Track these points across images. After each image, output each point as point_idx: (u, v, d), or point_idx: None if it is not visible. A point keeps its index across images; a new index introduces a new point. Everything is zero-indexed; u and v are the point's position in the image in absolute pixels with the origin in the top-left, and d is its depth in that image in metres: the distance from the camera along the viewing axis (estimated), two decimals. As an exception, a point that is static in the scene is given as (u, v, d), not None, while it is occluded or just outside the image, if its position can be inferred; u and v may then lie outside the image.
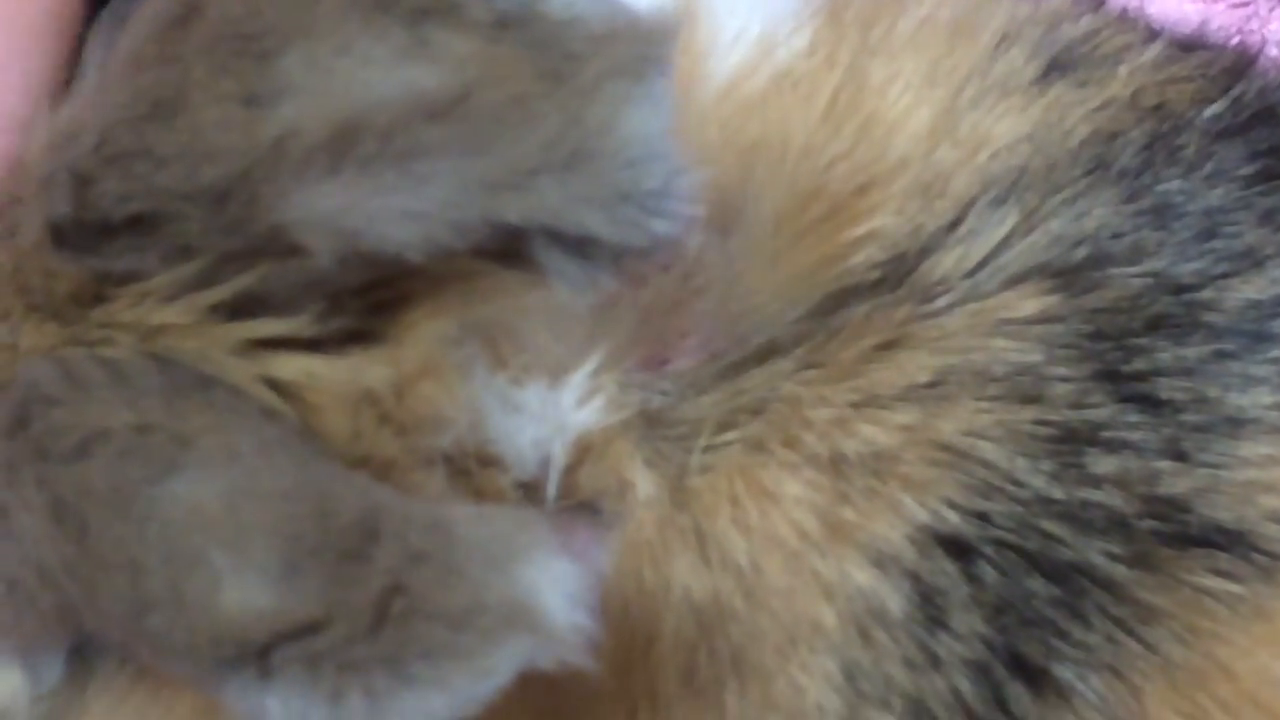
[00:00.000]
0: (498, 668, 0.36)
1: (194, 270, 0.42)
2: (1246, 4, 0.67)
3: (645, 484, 0.46)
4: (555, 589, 0.36)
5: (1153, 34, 0.54)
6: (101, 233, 0.41)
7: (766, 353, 0.46)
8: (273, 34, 0.40)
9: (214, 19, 0.41)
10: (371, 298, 0.44)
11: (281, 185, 0.39)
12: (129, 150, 0.40)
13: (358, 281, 0.43)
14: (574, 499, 0.46)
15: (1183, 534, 0.44)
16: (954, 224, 0.48)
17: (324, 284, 0.42)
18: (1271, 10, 0.66)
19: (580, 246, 0.39)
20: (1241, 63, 0.54)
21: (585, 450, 0.45)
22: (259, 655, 0.37)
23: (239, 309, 0.42)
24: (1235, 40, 0.64)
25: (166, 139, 0.40)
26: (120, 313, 0.43)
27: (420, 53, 0.39)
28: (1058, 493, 0.44)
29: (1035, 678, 0.43)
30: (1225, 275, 0.47)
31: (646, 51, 0.38)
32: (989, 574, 0.44)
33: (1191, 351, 0.46)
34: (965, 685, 0.43)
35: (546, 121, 0.38)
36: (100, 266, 0.43)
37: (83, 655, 0.47)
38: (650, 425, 0.46)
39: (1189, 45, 0.54)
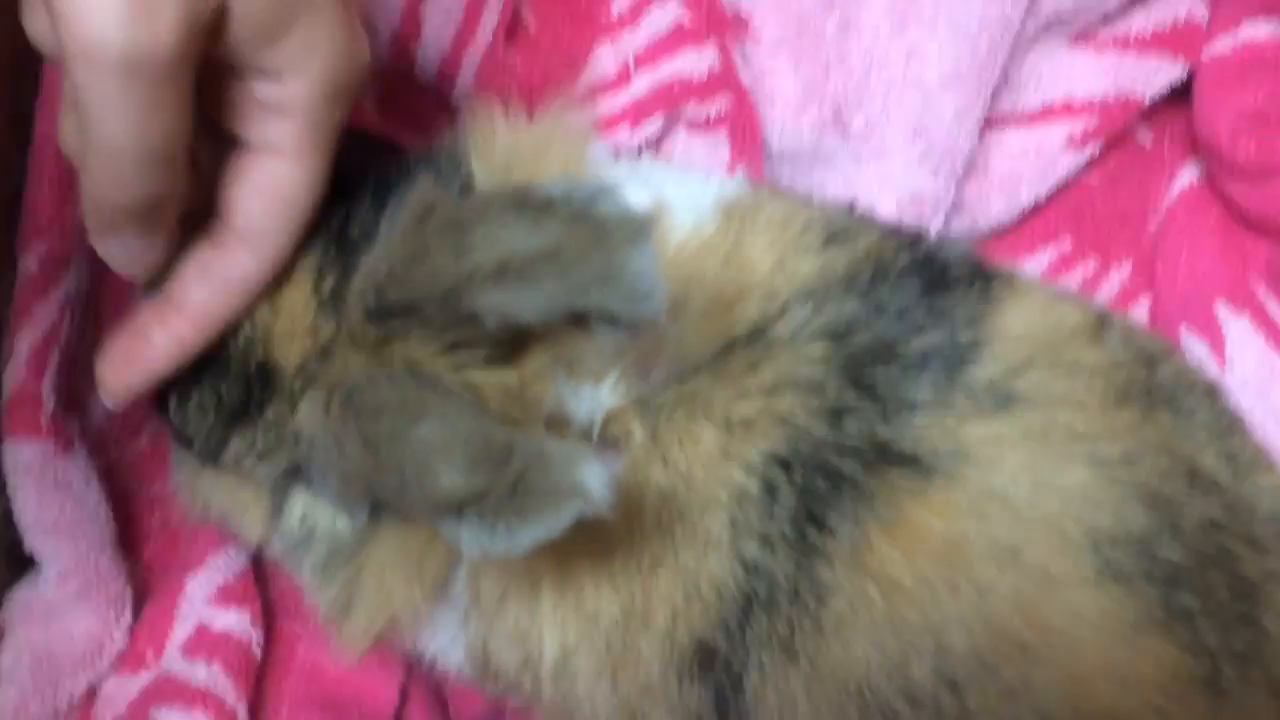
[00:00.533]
0: (567, 517, 0.51)
1: (431, 331, 0.58)
2: (923, 203, 0.86)
3: (638, 433, 0.62)
4: (597, 480, 0.51)
5: (874, 221, 0.73)
6: (391, 314, 0.58)
7: (695, 372, 0.63)
8: (467, 217, 0.55)
9: (441, 214, 0.57)
10: (510, 344, 0.59)
11: (473, 290, 0.55)
12: (407, 277, 0.56)
13: (507, 335, 0.58)
14: (605, 439, 0.62)
15: (887, 457, 0.61)
16: (782, 312, 0.64)
17: (492, 336, 0.58)
18: (942, 214, 0.86)
19: (615, 321, 0.54)
20: (920, 236, 0.72)
21: (611, 417, 0.62)
22: (457, 510, 0.52)
23: (453, 347, 0.58)
24: (917, 225, 0.84)
25: (422, 268, 0.56)
26: (395, 350, 0.59)
27: (537, 227, 0.54)
28: (830, 437, 0.62)
29: (821, 525, 0.61)
30: (908, 334, 0.64)
31: (645, 227, 0.53)
32: (799, 476, 0.61)
33: (893, 372, 0.63)
34: (789, 530, 0.61)
35: (598, 261, 0.53)
36: (386, 331, 0.59)
37: (375, 510, 0.63)
38: (641, 405, 0.62)
39: (894, 228, 0.72)
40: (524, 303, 0.55)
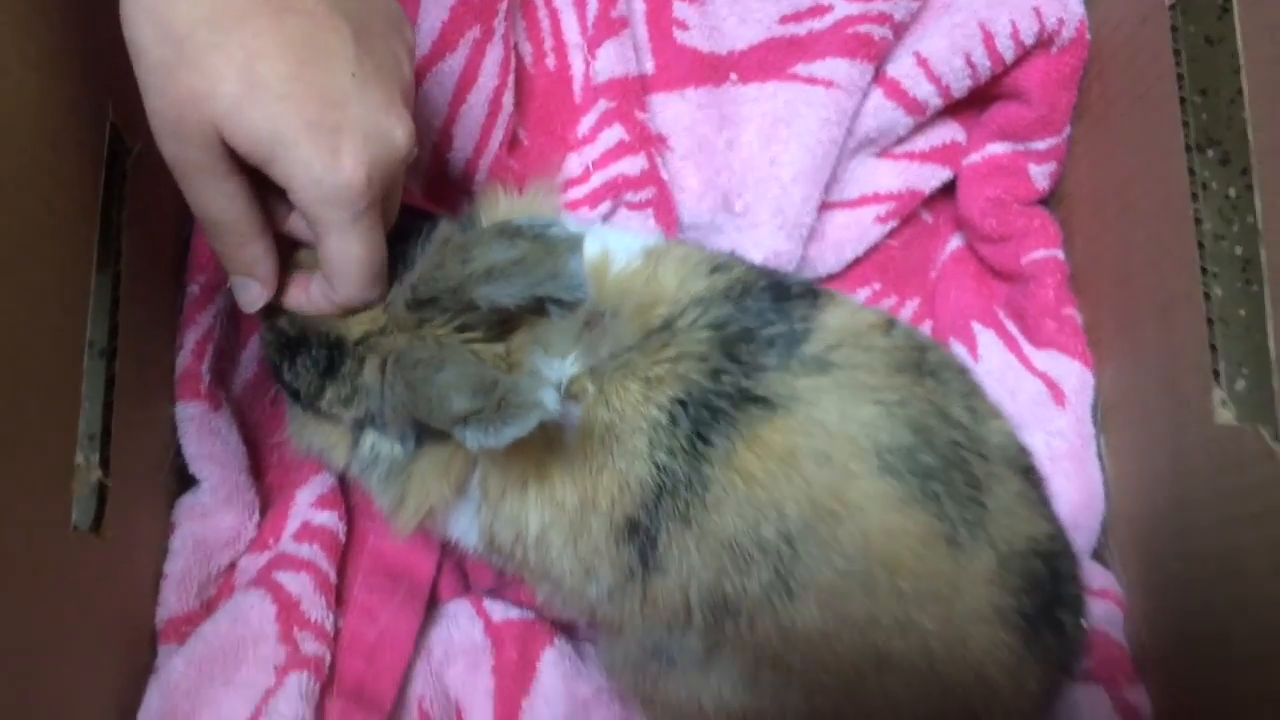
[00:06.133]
0: (533, 420, 0.53)
1: (447, 316, 0.60)
2: (781, 259, 0.86)
3: (590, 389, 0.63)
4: (550, 398, 0.53)
5: (742, 260, 0.73)
6: (421, 305, 0.60)
7: (627, 350, 0.64)
8: (470, 242, 0.57)
9: (454, 241, 0.58)
10: (502, 326, 0.61)
11: (472, 286, 0.57)
12: (431, 278, 0.58)
13: (497, 319, 0.60)
14: (570, 394, 0.63)
15: (749, 397, 0.62)
16: (683, 312, 0.66)
17: (488, 318, 0.60)
18: (793, 266, 0.87)
19: (561, 304, 0.56)
20: (775, 271, 0.72)
21: (572, 379, 0.63)
22: (464, 421, 0.54)
23: (463, 327, 0.60)
24: (765, 268, 0.81)
25: (440, 273, 0.58)
26: (426, 330, 0.61)
27: (512, 245, 0.56)
28: (712, 387, 0.63)
29: (706, 441, 0.62)
30: (763, 326, 0.65)
31: (578, 243, 0.55)
32: (692, 411, 0.62)
33: (752, 348, 0.64)
34: (685, 444, 0.62)
35: (549, 265, 0.55)
36: (419, 317, 0.61)
37: (420, 440, 0.64)
38: (593, 372, 0.63)
39: (758, 265, 0.73)
40: (503, 293, 0.57)
